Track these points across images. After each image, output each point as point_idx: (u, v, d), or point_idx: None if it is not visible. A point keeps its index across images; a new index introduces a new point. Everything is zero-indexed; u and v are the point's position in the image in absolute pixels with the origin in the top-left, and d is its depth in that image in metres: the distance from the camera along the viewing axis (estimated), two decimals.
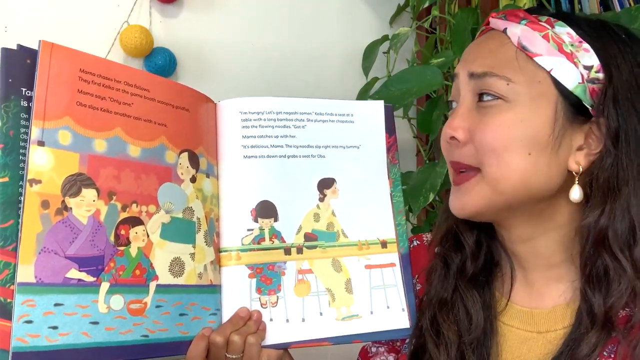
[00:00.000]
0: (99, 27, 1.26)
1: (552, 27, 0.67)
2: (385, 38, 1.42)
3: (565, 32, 0.66)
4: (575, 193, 0.66)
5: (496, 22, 0.70)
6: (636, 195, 0.63)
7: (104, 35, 1.26)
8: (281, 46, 1.42)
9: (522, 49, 0.66)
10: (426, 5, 1.31)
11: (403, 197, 0.83)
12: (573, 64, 0.65)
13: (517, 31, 0.67)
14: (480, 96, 0.67)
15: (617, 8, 1.18)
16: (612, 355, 0.63)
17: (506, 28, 0.68)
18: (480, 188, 0.67)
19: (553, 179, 0.66)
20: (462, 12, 1.20)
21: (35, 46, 0.60)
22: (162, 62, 1.26)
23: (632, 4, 1.19)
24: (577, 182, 0.66)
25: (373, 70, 1.41)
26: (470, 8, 1.26)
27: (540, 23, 0.67)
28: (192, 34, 1.34)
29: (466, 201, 0.68)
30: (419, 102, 1.43)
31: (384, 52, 1.42)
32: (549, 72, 0.65)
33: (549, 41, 0.66)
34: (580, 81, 0.65)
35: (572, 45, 0.65)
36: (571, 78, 0.65)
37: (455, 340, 0.71)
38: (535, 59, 0.65)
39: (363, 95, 1.32)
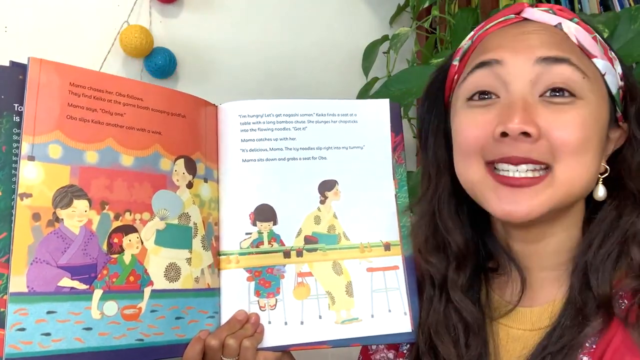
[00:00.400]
0: (99, 27, 1.28)
1: None
2: (385, 38, 1.40)
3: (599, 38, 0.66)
4: (601, 191, 0.66)
5: (542, 15, 0.66)
6: None
7: (104, 35, 1.28)
8: (281, 46, 1.42)
9: (581, 47, 0.64)
10: (426, 5, 1.29)
11: None
12: (614, 69, 0.66)
13: (573, 29, 0.65)
14: (547, 90, 0.62)
15: (617, 8, 1.14)
16: (594, 346, 0.61)
17: (560, 23, 0.65)
18: (552, 191, 0.62)
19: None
20: (462, 12, 1.18)
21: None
22: (162, 62, 1.27)
23: (632, 4, 1.14)
24: (601, 182, 0.66)
25: (373, 70, 1.39)
26: (470, 8, 1.23)
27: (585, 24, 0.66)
28: (192, 34, 1.35)
29: (534, 205, 0.62)
30: (419, 102, 1.40)
31: (384, 52, 1.40)
32: (602, 75, 0.64)
33: (597, 44, 0.65)
34: (618, 87, 0.66)
35: (609, 51, 0.66)
36: (614, 83, 0.66)
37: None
38: (593, 60, 0.64)
39: (363, 95, 1.31)
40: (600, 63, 0.64)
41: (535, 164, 0.62)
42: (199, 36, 1.35)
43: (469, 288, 0.72)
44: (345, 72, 1.47)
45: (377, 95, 1.14)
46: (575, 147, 0.61)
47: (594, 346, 0.61)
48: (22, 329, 0.59)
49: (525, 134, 0.60)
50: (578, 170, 0.62)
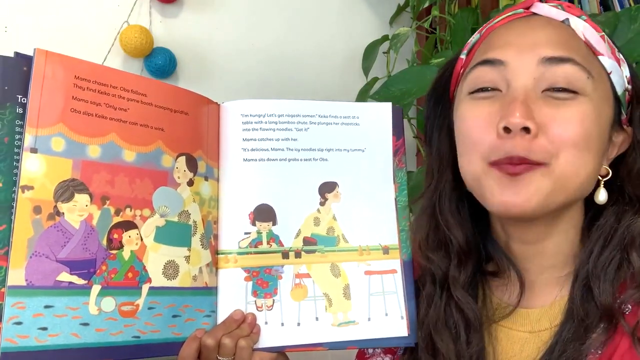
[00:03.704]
0: (99, 27, 1.27)
1: None
2: (385, 38, 1.40)
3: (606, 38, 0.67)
4: (602, 195, 0.66)
5: (550, 10, 0.66)
6: None
7: (104, 35, 1.27)
8: (281, 46, 1.42)
9: (589, 45, 0.65)
10: (426, 5, 1.30)
11: None
12: (621, 70, 0.66)
13: (581, 26, 0.65)
14: (550, 88, 0.62)
15: (617, 8, 1.14)
16: (600, 351, 0.62)
17: (567, 19, 0.66)
18: (548, 183, 0.61)
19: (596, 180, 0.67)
20: (462, 12, 1.19)
21: (34, 48, 0.62)
22: (162, 62, 1.27)
23: (632, 4, 1.15)
24: (602, 185, 0.66)
25: (373, 70, 1.39)
26: (470, 8, 1.24)
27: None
28: (192, 34, 1.34)
29: (530, 195, 0.61)
30: (419, 102, 1.41)
31: (384, 52, 1.41)
32: (608, 75, 0.65)
33: (605, 42, 0.65)
34: (624, 88, 0.66)
35: (617, 52, 0.66)
36: (620, 84, 0.66)
37: (454, 358, 0.70)
38: (600, 58, 0.65)
39: (363, 95, 1.31)
40: (607, 61, 0.65)
41: (532, 164, 0.61)
42: (199, 36, 1.35)
43: (470, 287, 0.72)
44: (345, 72, 1.47)
45: (377, 95, 1.14)
46: (573, 142, 0.61)
47: (600, 351, 0.61)
48: (19, 323, 0.58)
49: (526, 129, 0.60)
50: (576, 165, 0.62)
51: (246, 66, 1.39)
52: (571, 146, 0.61)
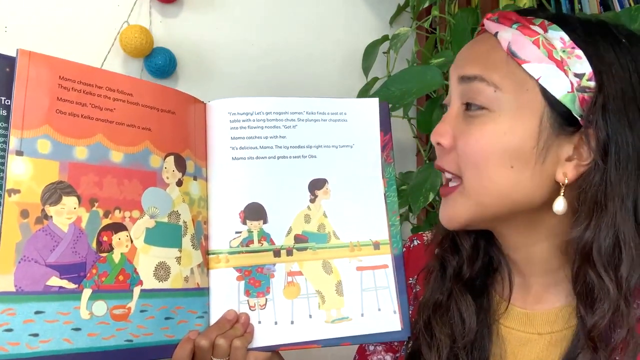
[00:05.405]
0: (99, 27, 1.27)
1: (545, 31, 0.63)
2: (385, 38, 1.41)
3: (558, 37, 0.63)
4: (559, 205, 0.63)
5: (489, 25, 0.67)
6: (622, 211, 0.60)
7: (104, 35, 1.27)
8: (281, 46, 1.42)
9: (512, 54, 0.63)
10: (426, 5, 1.31)
11: (403, 197, 0.82)
12: (563, 71, 0.61)
13: (508, 35, 0.64)
14: (467, 105, 0.66)
15: (617, 8, 1.15)
16: (617, 358, 0.61)
17: (497, 32, 0.65)
18: (463, 200, 0.66)
19: (538, 191, 0.64)
20: (462, 12, 1.19)
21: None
22: (162, 62, 1.27)
23: (632, 4, 1.16)
24: (562, 193, 0.63)
25: (373, 70, 1.40)
26: (470, 8, 1.25)
27: (532, 27, 0.64)
28: (192, 34, 1.34)
29: (452, 214, 0.68)
30: (419, 102, 1.42)
31: (384, 52, 1.42)
32: (537, 80, 0.62)
33: (539, 47, 0.62)
34: (570, 90, 0.61)
35: (563, 51, 0.62)
36: (560, 87, 0.61)
37: (447, 343, 0.71)
38: (523, 65, 0.63)
39: (363, 95, 1.32)
40: (535, 67, 0.62)
41: (447, 172, 0.68)
42: (199, 36, 1.35)
43: (474, 288, 0.73)
44: (345, 72, 1.48)
45: (377, 95, 1.14)
46: (472, 160, 0.64)
47: (617, 358, 0.62)
48: (9, 330, 0.57)
49: (439, 143, 0.68)
50: (481, 182, 0.64)
51: (246, 66, 1.39)
52: (471, 164, 0.64)
